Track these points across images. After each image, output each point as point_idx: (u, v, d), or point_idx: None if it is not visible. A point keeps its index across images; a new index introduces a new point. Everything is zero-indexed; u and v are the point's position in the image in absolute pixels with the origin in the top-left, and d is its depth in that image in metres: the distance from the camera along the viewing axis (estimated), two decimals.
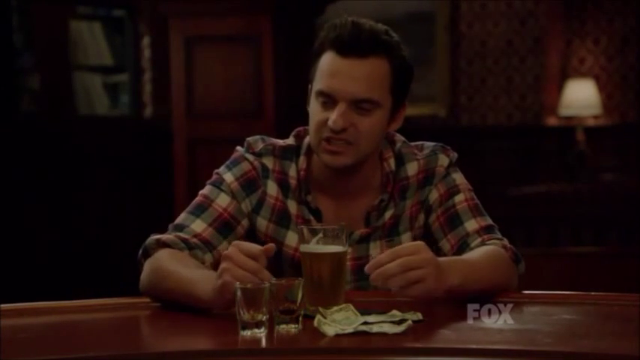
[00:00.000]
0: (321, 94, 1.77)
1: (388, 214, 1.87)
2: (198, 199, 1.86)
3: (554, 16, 6.76)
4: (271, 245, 1.58)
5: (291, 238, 1.85)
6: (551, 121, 6.74)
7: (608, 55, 6.71)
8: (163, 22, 4.88)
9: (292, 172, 1.87)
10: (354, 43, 1.75)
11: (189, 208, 1.85)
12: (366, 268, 1.56)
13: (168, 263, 1.71)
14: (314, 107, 1.80)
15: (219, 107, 4.70)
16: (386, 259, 1.55)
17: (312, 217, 1.85)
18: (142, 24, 5.85)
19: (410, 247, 1.58)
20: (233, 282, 1.49)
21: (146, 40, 5.89)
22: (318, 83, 1.78)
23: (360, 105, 1.76)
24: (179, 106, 4.75)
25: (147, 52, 5.90)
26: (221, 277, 1.53)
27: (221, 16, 4.69)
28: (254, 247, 1.55)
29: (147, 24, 5.83)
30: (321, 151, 1.79)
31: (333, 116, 1.74)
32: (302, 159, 1.87)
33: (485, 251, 1.76)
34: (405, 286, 1.54)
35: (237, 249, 1.54)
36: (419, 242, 1.61)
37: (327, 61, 1.77)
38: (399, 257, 1.55)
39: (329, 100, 1.76)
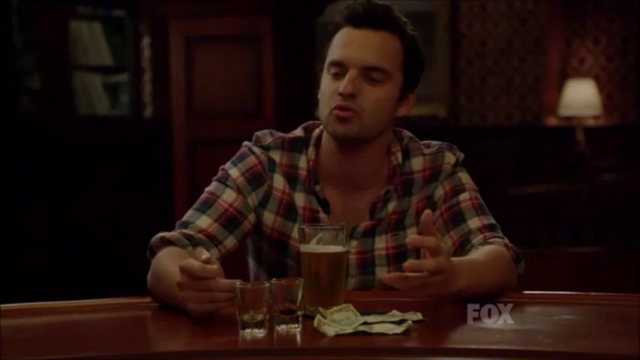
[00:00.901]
0: (333, 64, 1.80)
1: (391, 206, 1.87)
2: (204, 195, 1.87)
3: (554, 16, 6.76)
4: (201, 250, 1.56)
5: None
6: (551, 121, 6.74)
7: (608, 55, 6.71)
8: (163, 22, 4.88)
9: (302, 163, 1.88)
10: (369, 16, 1.79)
11: (195, 205, 1.86)
12: (407, 265, 1.51)
13: (166, 264, 1.71)
14: (325, 81, 1.82)
15: (219, 107, 4.70)
16: (430, 268, 1.50)
17: (319, 208, 1.86)
18: (142, 24, 5.86)
19: (441, 263, 1.52)
20: (200, 307, 1.51)
21: (146, 40, 5.89)
22: (331, 55, 1.81)
23: (370, 74, 1.78)
24: (179, 106, 4.75)
25: (147, 52, 5.90)
26: (186, 304, 1.53)
27: (221, 16, 4.69)
28: (196, 267, 1.50)
29: (147, 24, 5.84)
30: (330, 122, 1.80)
31: (344, 82, 1.77)
32: (311, 149, 1.88)
33: (490, 251, 1.76)
34: (422, 287, 1.52)
35: (182, 273, 1.51)
36: (443, 260, 1.53)
37: (341, 34, 1.81)
38: (440, 274, 1.51)
39: (340, 69, 1.79)
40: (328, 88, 1.81)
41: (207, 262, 1.52)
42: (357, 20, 1.79)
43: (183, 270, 1.51)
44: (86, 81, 5.69)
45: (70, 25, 5.53)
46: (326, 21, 4.61)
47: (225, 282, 1.50)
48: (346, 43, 1.79)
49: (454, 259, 1.63)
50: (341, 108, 1.78)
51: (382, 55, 1.79)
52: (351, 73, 1.77)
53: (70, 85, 5.50)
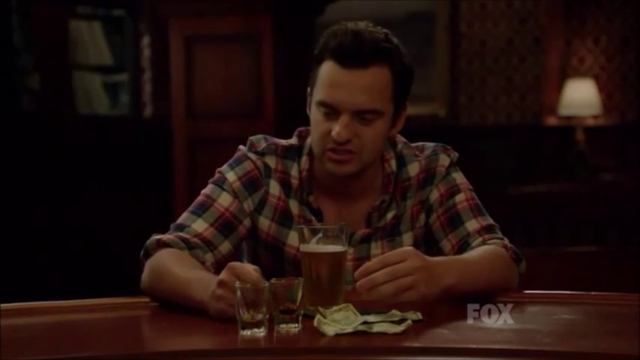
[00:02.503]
0: (323, 104, 1.76)
1: (390, 215, 1.87)
2: (200, 198, 1.86)
3: (554, 16, 6.76)
4: (257, 268, 1.54)
5: (293, 238, 1.84)
6: (551, 120, 6.74)
7: (608, 55, 6.70)
8: (163, 21, 4.89)
9: (294, 171, 1.87)
10: (355, 54, 1.73)
11: (190, 208, 1.85)
12: (356, 274, 1.55)
13: (167, 263, 1.71)
14: (316, 116, 1.79)
15: (219, 107, 4.70)
16: (374, 267, 1.54)
17: (313, 218, 1.85)
18: (142, 24, 5.86)
19: (398, 254, 1.57)
20: (230, 309, 1.49)
21: (146, 40, 5.89)
22: (320, 93, 1.77)
23: (363, 115, 1.75)
24: (179, 105, 4.75)
25: (147, 52, 5.90)
26: (218, 303, 1.52)
27: (221, 15, 4.69)
28: (249, 273, 1.50)
29: (147, 24, 5.84)
30: (325, 160, 1.79)
31: (337, 128, 1.74)
32: (304, 159, 1.87)
33: (484, 250, 1.76)
34: (397, 293, 1.53)
35: (231, 274, 1.51)
36: (407, 248, 1.60)
37: (328, 70, 1.76)
38: (386, 265, 1.54)
39: (331, 110, 1.76)
40: (320, 126, 1.77)
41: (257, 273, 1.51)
42: (344, 59, 1.73)
43: (233, 269, 1.50)
44: (86, 81, 5.69)
45: (70, 25, 5.53)
46: (326, 21, 4.62)
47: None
48: (334, 85, 1.74)
49: (438, 257, 1.65)
50: (336, 151, 1.76)
51: (373, 96, 1.75)
52: (344, 119, 1.74)
53: (70, 85, 5.50)
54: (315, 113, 1.79)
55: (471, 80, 6.90)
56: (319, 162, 1.82)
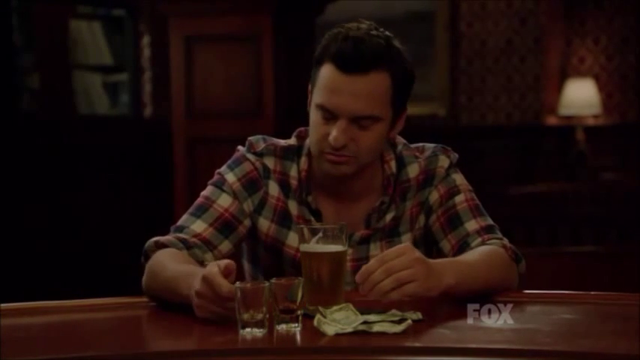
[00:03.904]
0: (321, 108, 1.76)
1: (389, 217, 1.87)
2: (199, 200, 1.86)
3: (554, 16, 6.76)
4: (231, 263, 1.53)
5: (293, 239, 1.84)
6: (551, 120, 6.74)
7: (608, 55, 6.70)
8: (163, 21, 4.88)
9: (293, 172, 1.87)
10: (356, 60, 1.72)
11: (190, 210, 1.86)
12: (356, 277, 1.55)
13: (162, 262, 1.71)
14: (315, 118, 1.79)
15: (219, 107, 4.70)
16: (373, 267, 1.54)
17: (312, 218, 1.85)
18: (142, 23, 5.86)
19: (394, 251, 1.56)
20: (213, 317, 1.51)
21: (146, 40, 5.89)
22: (319, 96, 1.77)
23: (360, 122, 1.75)
24: (179, 105, 4.74)
25: (147, 52, 5.90)
26: (200, 312, 1.53)
27: (221, 15, 4.68)
28: (224, 286, 1.48)
29: (147, 23, 5.84)
30: (322, 162, 1.79)
31: (334, 133, 1.74)
32: (303, 159, 1.87)
33: (483, 251, 1.76)
34: (397, 287, 1.53)
35: (207, 287, 1.50)
36: (404, 245, 1.61)
37: (328, 74, 1.75)
38: (384, 263, 1.54)
39: (330, 115, 1.76)
40: (318, 128, 1.78)
41: (228, 269, 1.51)
42: (344, 64, 1.73)
43: (207, 281, 1.50)
44: (86, 80, 5.70)
45: (70, 25, 5.53)
46: (326, 21, 4.61)
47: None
48: (333, 90, 1.74)
49: (436, 259, 1.65)
50: (333, 155, 1.76)
51: (372, 103, 1.74)
52: (341, 124, 1.74)
53: (70, 85, 5.50)
54: (314, 115, 1.79)
55: (471, 80, 6.89)
56: (317, 162, 1.82)
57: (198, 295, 1.52)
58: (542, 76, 6.78)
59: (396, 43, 1.79)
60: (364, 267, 1.55)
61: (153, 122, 5.81)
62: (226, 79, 4.67)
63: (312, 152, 1.82)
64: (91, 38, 5.70)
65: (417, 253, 1.57)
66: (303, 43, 4.83)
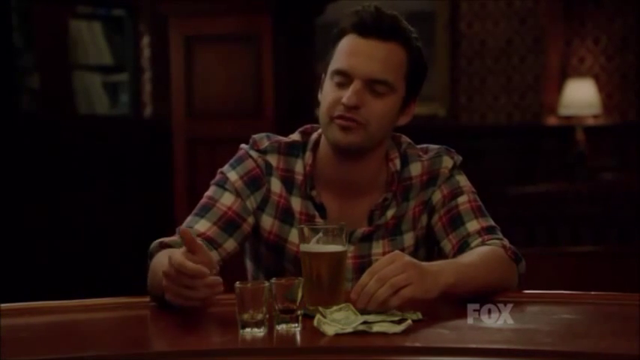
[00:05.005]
0: (337, 72, 1.79)
1: (390, 213, 1.88)
2: (202, 200, 1.87)
3: (554, 16, 6.76)
4: (187, 232, 1.55)
5: (295, 236, 1.85)
6: (551, 120, 6.74)
7: (608, 55, 6.71)
8: (163, 21, 4.88)
9: (299, 167, 1.88)
10: (376, 26, 1.78)
11: (194, 210, 1.87)
12: (352, 294, 1.54)
13: (162, 262, 1.71)
14: (328, 87, 1.81)
15: (219, 107, 4.70)
16: (365, 281, 1.53)
17: (316, 213, 1.86)
18: (142, 23, 5.86)
19: (383, 261, 1.56)
20: (177, 300, 1.53)
21: (146, 40, 5.89)
22: (336, 63, 1.80)
23: (374, 86, 1.77)
24: (179, 105, 4.75)
25: (147, 52, 5.90)
26: (167, 294, 1.55)
27: (221, 15, 4.69)
28: (178, 262, 1.50)
29: (147, 23, 5.84)
30: (331, 129, 1.79)
31: (348, 93, 1.76)
32: (308, 154, 1.88)
33: (481, 251, 1.77)
34: (394, 293, 1.52)
35: (171, 266, 1.51)
36: (393, 253, 1.60)
37: (347, 42, 1.79)
38: (375, 274, 1.53)
39: (345, 79, 1.78)
40: (331, 95, 1.79)
41: (192, 245, 1.52)
42: (364, 30, 1.78)
43: (172, 261, 1.51)
44: (86, 80, 5.70)
45: (70, 25, 5.53)
46: (326, 21, 4.61)
47: (208, 280, 1.50)
48: (352, 53, 1.78)
49: (433, 262, 1.65)
50: (344, 118, 1.77)
51: (387, 68, 1.78)
52: (356, 85, 1.76)
53: (70, 85, 5.50)
54: (327, 85, 1.81)
55: (471, 80, 6.90)
56: (325, 132, 1.82)
57: (165, 275, 1.53)
58: (542, 76, 6.79)
59: (416, 38, 1.85)
60: (357, 284, 1.54)
61: (153, 122, 5.81)
62: (226, 79, 4.67)
63: (322, 122, 1.82)
64: (90, 38, 5.70)
65: (407, 258, 1.57)
66: (303, 43, 4.83)
